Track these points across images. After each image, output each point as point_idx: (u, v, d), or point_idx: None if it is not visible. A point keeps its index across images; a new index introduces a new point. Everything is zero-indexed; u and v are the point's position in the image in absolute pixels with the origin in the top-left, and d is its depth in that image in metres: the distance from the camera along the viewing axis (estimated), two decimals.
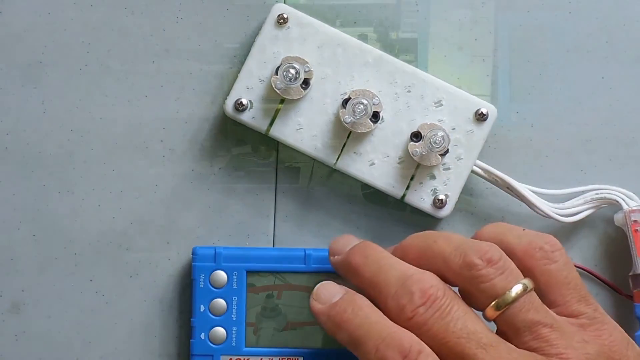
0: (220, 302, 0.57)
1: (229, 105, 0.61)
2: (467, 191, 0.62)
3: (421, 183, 0.61)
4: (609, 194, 0.61)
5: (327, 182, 0.63)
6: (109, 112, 0.62)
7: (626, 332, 0.59)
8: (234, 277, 0.57)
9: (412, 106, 0.61)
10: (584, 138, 0.63)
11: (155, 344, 0.62)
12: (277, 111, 0.61)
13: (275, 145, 0.62)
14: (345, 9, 0.62)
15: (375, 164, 0.61)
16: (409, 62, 0.61)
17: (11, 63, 0.62)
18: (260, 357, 0.57)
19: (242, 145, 0.62)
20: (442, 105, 0.60)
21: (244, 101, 0.61)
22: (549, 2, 0.63)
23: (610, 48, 0.63)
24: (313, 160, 0.62)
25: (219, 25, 0.63)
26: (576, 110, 0.63)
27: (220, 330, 0.56)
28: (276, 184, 0.63)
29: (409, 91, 0.61)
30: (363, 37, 0.62)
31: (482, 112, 0.60)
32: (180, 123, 0.63)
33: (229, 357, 0.56)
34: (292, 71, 0.60)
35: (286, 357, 0.57)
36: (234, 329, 0.57)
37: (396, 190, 0.61)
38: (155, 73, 0.63)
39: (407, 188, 0.61)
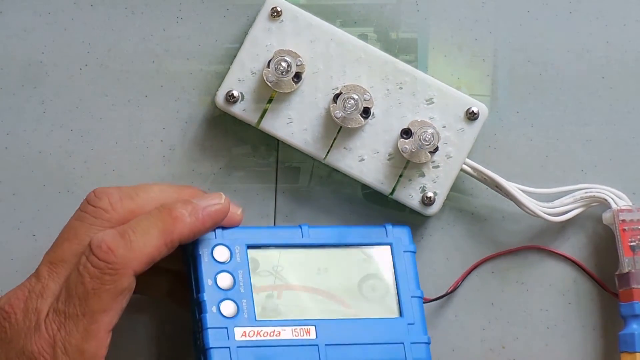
0: (227, 275, 0.57)
1: (220, 97, 0.61)
2: (467, 191, 0.62)
3: (410, 180, 0.61)
4: (598, 192, 0.61)
5: (327, 182, 0.63)
6: (109, 112, 0.63)
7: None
8: (236, 251, 0.57)
9: (404, 103, 0.60)
10: (584, 138, 0.63)
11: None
12: (268, 104, 0.61)
13: (276, 145, 0.62)
14: (345, 9, 0.62)
15: (364, 160, 0.61)
16: (408, 62, 0.61)
17: (11, 63, 0.62)
18: (273, 328, 0.56)
19: (242, 145, 0.62)
20: (433, 102, 0.60)
21: (235, 93, 0.61)
22: (549, 2, 0.63)
23: (610, 48, 0.63)
24: (313, 160, 0.62)
25: (219, 25, 0.63)
26: (576, 110, 0.63)
27: (230, 304, 0.56)
28: (276, 184, 0.63)
29: (400, 88, 0.61)
30: (363, 37, 0.62)
31: (472, 111, 0.60)
32: (180, 123, 0.63)
33: (242, 329, 0.56)
34: (284, 64, 0.60)
35: (299, 327, 0.57)
36: (244, 301, 0.56)
37: (385, 187, 0.61)
38: (155, 73, 0.63)
39: (396, 185, 0.61)
